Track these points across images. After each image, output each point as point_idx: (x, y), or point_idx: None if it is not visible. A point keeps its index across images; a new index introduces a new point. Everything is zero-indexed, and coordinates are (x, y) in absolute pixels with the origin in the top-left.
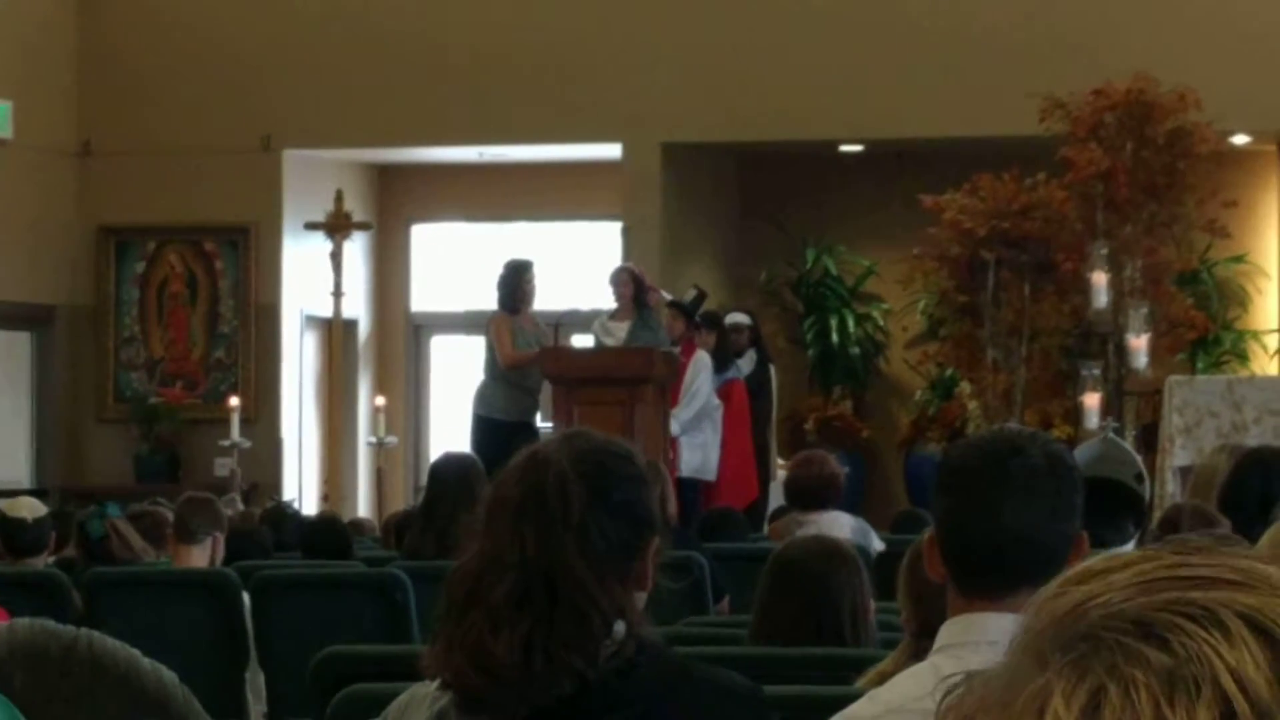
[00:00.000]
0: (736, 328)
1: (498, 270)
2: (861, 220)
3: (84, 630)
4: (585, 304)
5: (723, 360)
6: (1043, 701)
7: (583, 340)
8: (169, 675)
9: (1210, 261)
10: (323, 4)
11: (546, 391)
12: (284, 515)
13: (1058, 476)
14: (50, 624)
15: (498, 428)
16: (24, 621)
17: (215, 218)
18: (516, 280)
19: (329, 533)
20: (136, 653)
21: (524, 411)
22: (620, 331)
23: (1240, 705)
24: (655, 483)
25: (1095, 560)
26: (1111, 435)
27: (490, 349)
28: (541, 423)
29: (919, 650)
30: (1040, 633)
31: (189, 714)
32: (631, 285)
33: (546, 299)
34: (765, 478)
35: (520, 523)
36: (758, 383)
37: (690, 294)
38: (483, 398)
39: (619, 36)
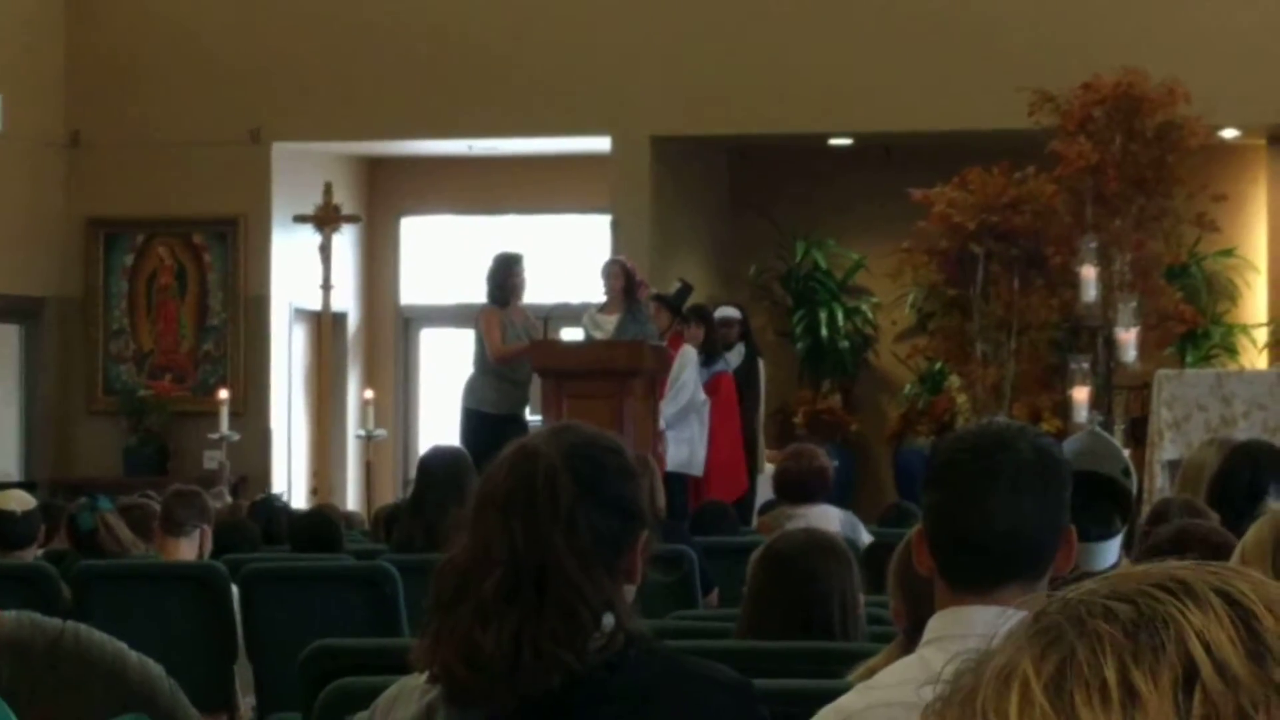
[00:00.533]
0: (726, 321)
1: (487, 263)
2: (851, 214)
3: (70, 623)
4: (574, 297)
5: (711, 354)
6: (1010, 670)
7: (572, 333)
8: (155, 668)
9: (1199, 255)
10: None
11: (536, 384)
12: (273, 509)
13: (1046, 471)
14: (37, 617)
15: (486, 421)
16: (10, 614)
17: (204, 210)
18: (506, 273)
19: (318, 526)
20: (123, 645)
21: (513, 405)
22: (609, 324)
23: (1205, 667)
24: (644, 476)
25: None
26: (1098, 429)
27: (479, 342)
28: (530, 416)
29: (911, 646)
30: (1020, 621)
31: (175, 706)
32: (623, 278)
33: (536, 292)
34: (754, 471)
35: (509, 516)
36: (746, 377)
37: (675, 287)
38: (472, 391)
39: (607, 30)
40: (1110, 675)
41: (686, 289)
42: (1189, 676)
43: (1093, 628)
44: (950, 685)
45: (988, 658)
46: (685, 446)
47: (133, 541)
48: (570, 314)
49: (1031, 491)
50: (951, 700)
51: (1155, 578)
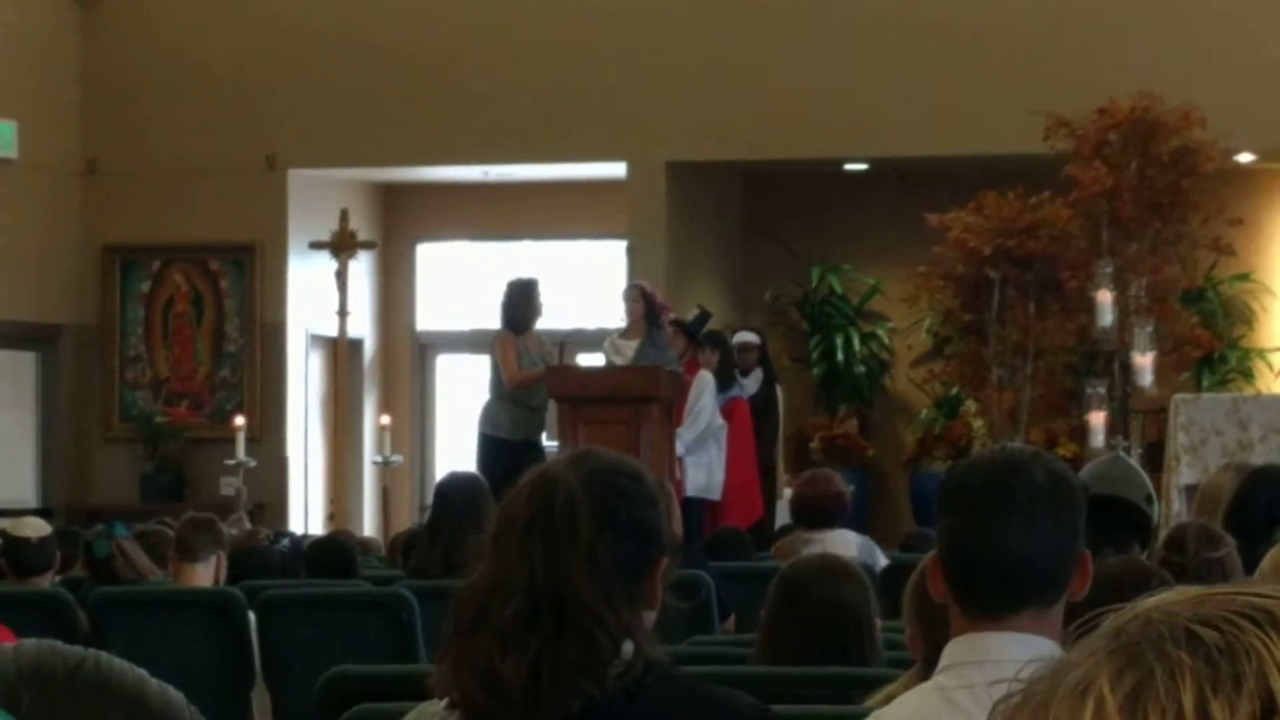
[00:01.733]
0: (745, 346)
1: (502, 289)
2: (867, 239)
3: (92, 651)
4: (590, 323)
5: (726, 379)
6: (1087, 684)
7: (588, 359)
8: (176, 696)
9: (1215, 280)
10: (328, 24)
11: (552, 410)
12: (285, 553)
13: (1060, 496)
14: (58, 645)
15: (503, 447)
16: (32, 642)
17: (220, 237)
18: (521, 299)
19: (333, 552)
20: (144, 673)
21: (530, 430)
22: (629, 350)
23: None
24: (663, 501)
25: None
26: (1123, 454)
27: (495, 368)
28: (547, 441)
29: (928, 673)
30: (1099, 634)
31: None
32: (643, 303)
33: (552, 318)
34: (772, 497)
35: (528, 542)
36: (764, 402)
37: (693, 313)
38: (488, 417)
39: (624, 56)
40: (1187, 702)
41: (705, 315)
42: (1268, 711)
43: (1173, 652)
44: (1023, 689)
45: (1065, 667)
46: (703, 471)
47: (149, 568)
48: (586, 339)
49: (1045, 517)
50: (1024, 706)
51: (1240, 604)
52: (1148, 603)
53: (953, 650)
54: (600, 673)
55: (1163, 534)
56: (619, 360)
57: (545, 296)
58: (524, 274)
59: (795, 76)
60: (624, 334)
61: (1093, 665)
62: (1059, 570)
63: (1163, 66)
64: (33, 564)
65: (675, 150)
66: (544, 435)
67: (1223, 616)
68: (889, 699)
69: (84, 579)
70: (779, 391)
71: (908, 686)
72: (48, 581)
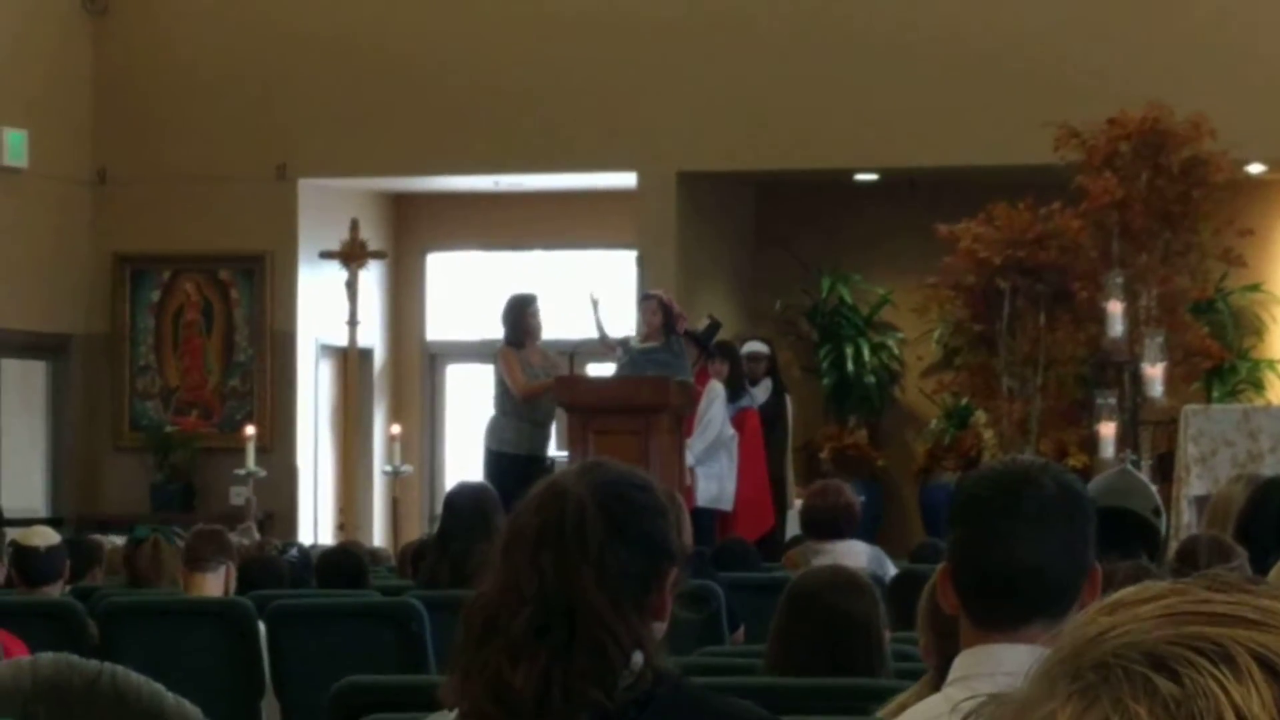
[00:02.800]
0: (754, 356)
1: (502, 303)
2: (876, 249)
3: (108, 665)
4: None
5: (736, 389)
6: None
7: (598, 370)
8: (192, 710)
9: (1226, 290)
10: (338, 34)
11: (562, 420)
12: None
13: (1070, 507)
14: (74, 659)
15: (509, 462)
16: (48, 656)
17: (231, 246)
18: (519, 314)
19: (343, 562)
20: (160, 687)
21: (535, 445)
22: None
23: None
24: (673, 512)
25: (1129, 591)
26: (1130, 467)
27: (500, 383)
28: (556, 451)
29: (940, 684)
30: (1058, 660)
31: None
32: (660, 313)
33: (562, 328)
34: (783, 508)
35: (539, 554)
36: (774, 413)
37: (703, 323)
38: (493, 432)
39: (634, 66)
40: None
41: (715, 325)
42: None
43: (1130, 705)
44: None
45: (1026, 705)
46: (715, 482)
47: (171, 578)
48: (596, 350)
49: (1055, 528)
50: None
51: (1190, 637)
52: (1106, 625)
53: (963, 662)
54: (610, 683)
55: (1172, 545)
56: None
57: (546, 310)
58: (523, 289)
59: (806, 87)
60: (642, 341)
61: (1050, 711)
62: (1069, 582)
63: (1173, 77)
64: (41, 573)
65: (686, 160)
66: (549, 449)
67: (1181, 656)
68: (901, 708)
69: (95, 589)
70: (789, 402)
71: (919, 696)
72: (58, 591)
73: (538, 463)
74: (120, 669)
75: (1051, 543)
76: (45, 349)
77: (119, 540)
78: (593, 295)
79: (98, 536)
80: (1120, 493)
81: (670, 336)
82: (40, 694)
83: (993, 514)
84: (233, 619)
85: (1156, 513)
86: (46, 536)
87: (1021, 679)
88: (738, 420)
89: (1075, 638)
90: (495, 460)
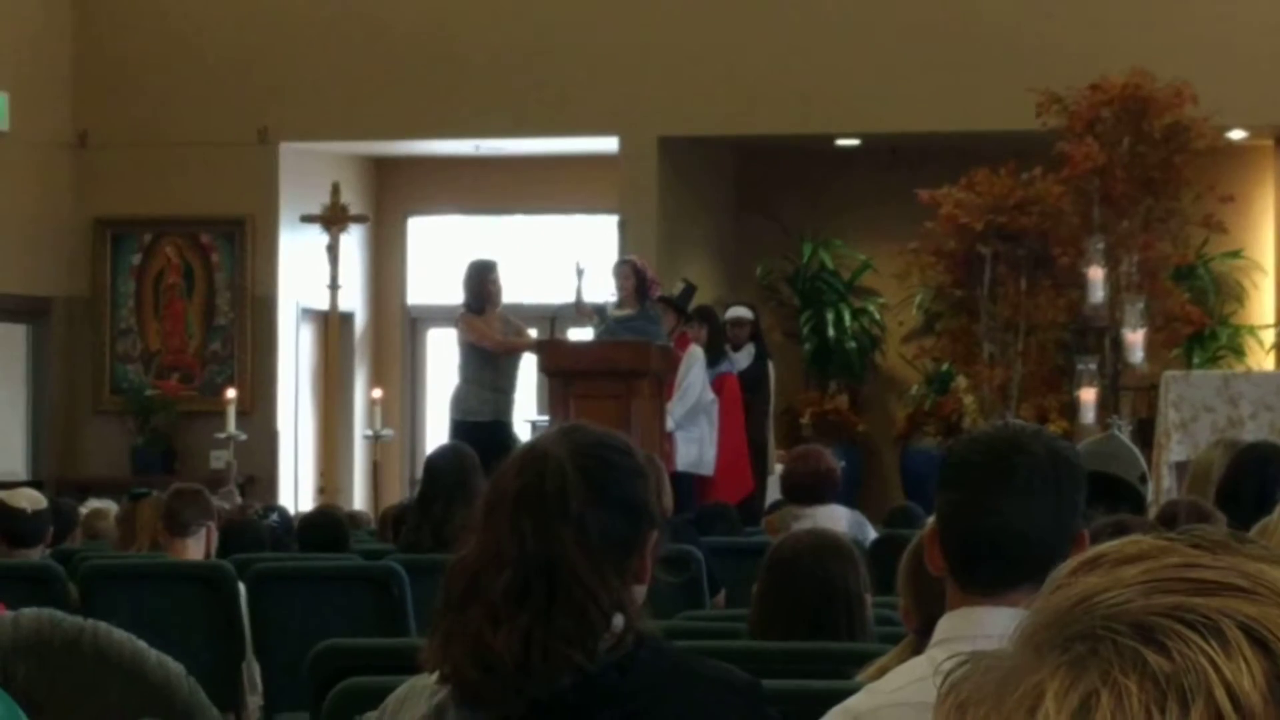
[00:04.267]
0: (738, 322)
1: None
2: (858, 214)
3: (90, 622)
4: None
5: (715, 354)
6: (1035, 700)
7: (578, 335)
8: (175, 667)
9: (1207, 257)
10: None
11: (542, 385)
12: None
13: (1060, 474)
14: (56, 615)
15: (475, 429)
16: (30, 612)
17: (212, 210)
18: (480, 281)
19: (324, 525)
20: (143, 645)
21: (499, 411)
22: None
23: (1231, 718)
24: (652, 476)
25: (1109, 546)
26: (1117, 433)
27: (464, 351)
28: (538, 416)
29: (921, 647)
30: (1044, 625)
31: (194, 706)
32: (633, 278)
33: (543, 292)
34: (763, 472)
35: (519, 516)
36: (756, 378)
37: (679, 287)
38: (458, 402)
39: (615, 30)
40: None
41: (690, 289)
42: None
43: (1120, 678)
44: (974, 678)
45: (1015, 671)
46: (695, 446)
47: (151, 535)
48: (573, 316)
49: (1044, 494)
50: (974, 702)
51: (1179, 608)
52: (1090, 589)
53: (947, 624)
54: (591, 645)
55: (1152, 510)
56: (602, 320)
57: (503, 279)
58: (483, 255)
59: (787, 52)
60: (618, 307)
61: (1039, 681)
62: (1056, 548)
63: (1155, 43)
64: (25, 535)
65: (667, 125)
66: (512, 415)
67: (1170, 628)
68: (882, 671)
69: (75, 551)
70: (771, 367)
71: (900, 658)
72: (38, 554)
73: (501, 428)
74: (103, 627)
75: (1040, 509)
76: (26, 312)
77: (99, 504)
78: (579, 264)
79: (71, 501)
80: (1107, 458)
81: (645, 302)
82: (20, 650)
83: (982, 478)
84: (214, 582)
85: (1142, 479)
86: (33, 500)
87: (1004, 640)
88: (716, 385)
89: (1059, 600)
90: (461, 430)
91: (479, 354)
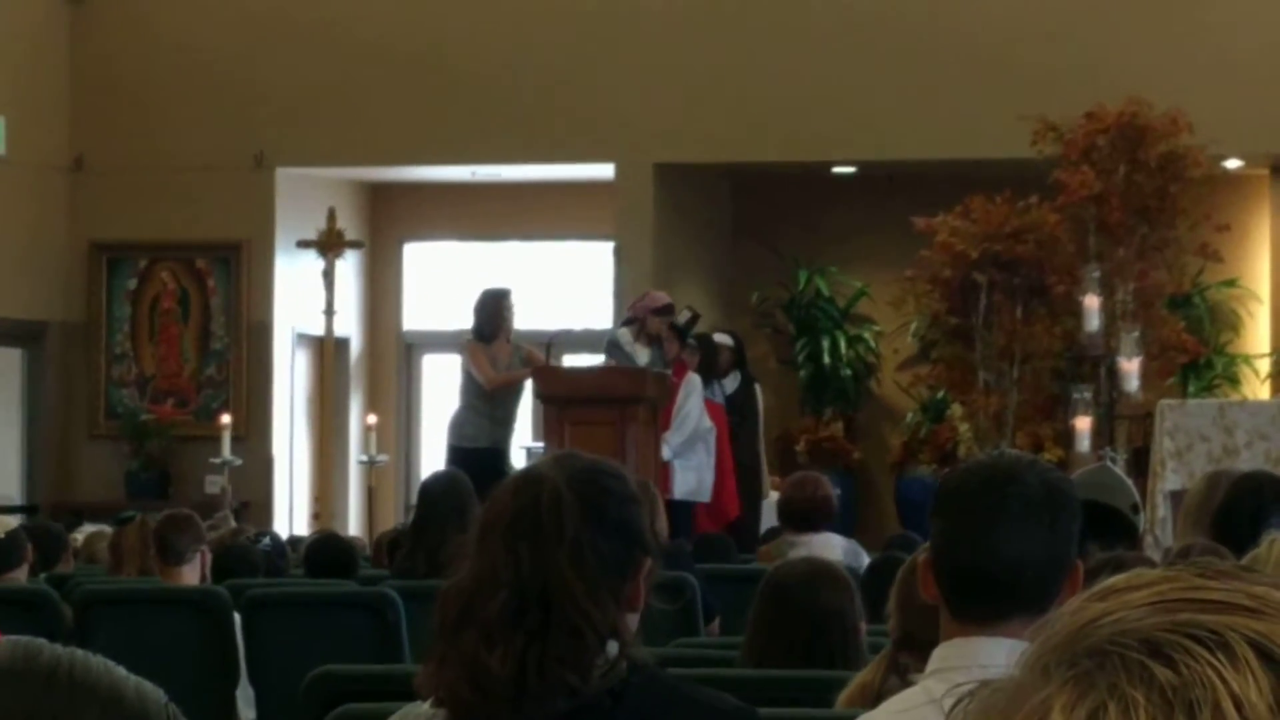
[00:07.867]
0: (718, 348)
1: (475, 297)
2: (854, 242)
3: (68, 650)
4: (577, 324)
5: (705, 381)
6: (1042, 715)
7: (575, 360)
8: (153, 692)
9: (1202, 285)
10: (316, 23)
11: (537, 411)
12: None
13: (1055, 505)
14: (34, 645)
15: (470, 455)
16: (8, 641)
17: (208, 235)
18: (495, 308)
19: (332, 550)
20: (123, 672)
21: (496, 440)
22: (644, 356)
23: None
24: (646, 503)
25: (1119, 578)
26: (1109, 464)
27: (466, 376)
28: (532, 443)
29: (896, 661)
30: (1051, 648)
31: None
32: (676, 343)
33: (539, 319)
34: (755, 498)
35: (514, 540)
36: (743, 402)
37: (684, 315)
38: (455, 427)
39: (612, 57)
40: None
41: (695, 317)
42: None
43: (1128, 690)
44: (982, 701)
45: (1021, 690)
46: (693, 474)
47: (138, 560)
48: (573, 341)
49: (1039, 524)
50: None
51: (1187, 625)
52: (1098, 612)
53: (942, 654)
54: (586, 667)
55: (1147, 540)
56: (637, 358)
57: (528, 301)
58: (496, 283)
59: (783, 79)
60: (636, 337)
61: (1046, 696)
62: (1050, 579)
63: (1151, 72)
64: (2, 560)
65: (663, 152)
66: (511, 444)
67: (1177, 643)
68: (860, 687)
69: (69, 576)
70: (759, 392)
71: (876, 672)
72: (23, 576)
73: (497, 455)
74: (80, 654)
75: (1034, 540)
76: (21, 336)
77: (93, 528)
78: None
79: (59, 526)
80: (1100, 488)
81: (652, 345)
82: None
83: (977, 509)
84: (208, 608)
85: (1135, 509)
86: (3, 524)
87: (1009, 668)
88: None
89: (1068, 624)
90: (457, 456)
91: (479, 382)
